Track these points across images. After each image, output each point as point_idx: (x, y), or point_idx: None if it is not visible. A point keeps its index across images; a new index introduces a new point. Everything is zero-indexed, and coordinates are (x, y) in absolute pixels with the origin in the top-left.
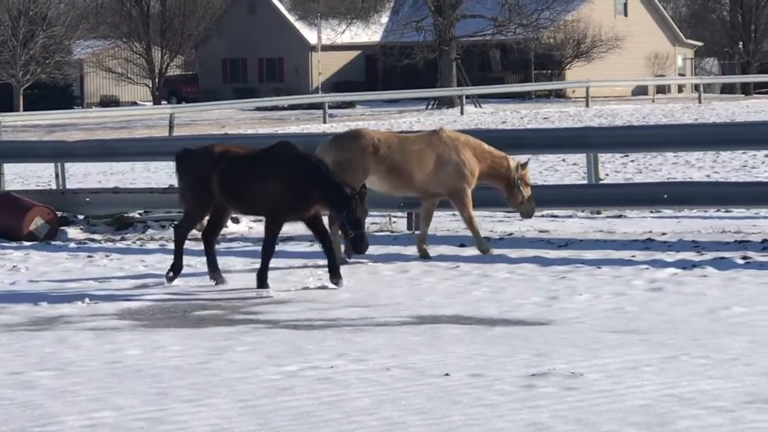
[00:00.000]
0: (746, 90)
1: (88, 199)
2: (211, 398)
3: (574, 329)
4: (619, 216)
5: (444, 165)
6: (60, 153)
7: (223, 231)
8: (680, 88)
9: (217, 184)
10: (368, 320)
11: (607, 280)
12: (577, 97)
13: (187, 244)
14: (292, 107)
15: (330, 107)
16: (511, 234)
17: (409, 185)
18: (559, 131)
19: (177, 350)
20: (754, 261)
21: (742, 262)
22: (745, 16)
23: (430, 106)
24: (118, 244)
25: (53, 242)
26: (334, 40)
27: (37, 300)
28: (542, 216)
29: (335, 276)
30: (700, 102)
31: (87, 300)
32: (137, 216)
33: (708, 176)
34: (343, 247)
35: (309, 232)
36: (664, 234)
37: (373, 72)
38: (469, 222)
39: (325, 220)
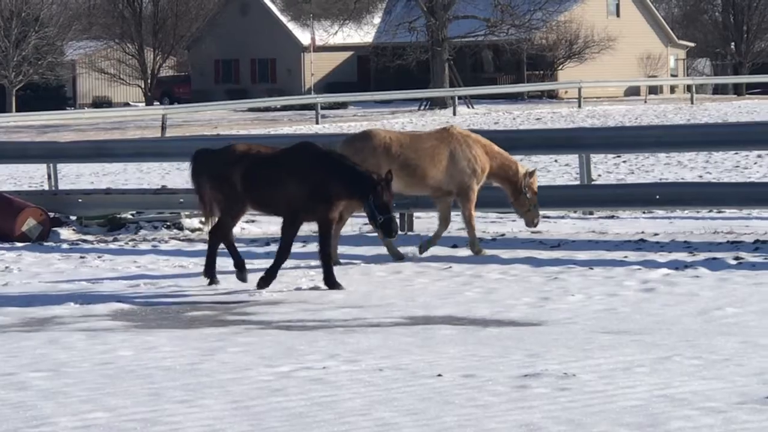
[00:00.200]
0: (738, 91)
1: (80, 200)
2: (203, 399)
3: (567, 330)
4: (612, 217)
5: (456, 161)
6: (52, 154)
7: None
8: (672, 89)
9: (239, 183)
10: (361, 321)
11: (600, 281)
12: (569, 97)
13: (179, 245)
14: (284, 108)
15: (322, 108)
16: (503, 235)
17: (422, 183)
18: (552, 132)
19: (169, 351)
20: (747, 261)
21: (734, 262)
22: (738, 16)
23: (422, 107)
24: (111, 245)
25: (45, 243)
26: (327, 40)
27: (30, 301)
28: None
29: (327, 280)
30: (692, 103)
31: (79, 301)
32: (129, 217)
33: (700, 177)
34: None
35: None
36: (656, 235)
37: (366, 73)
38: (468, 220)
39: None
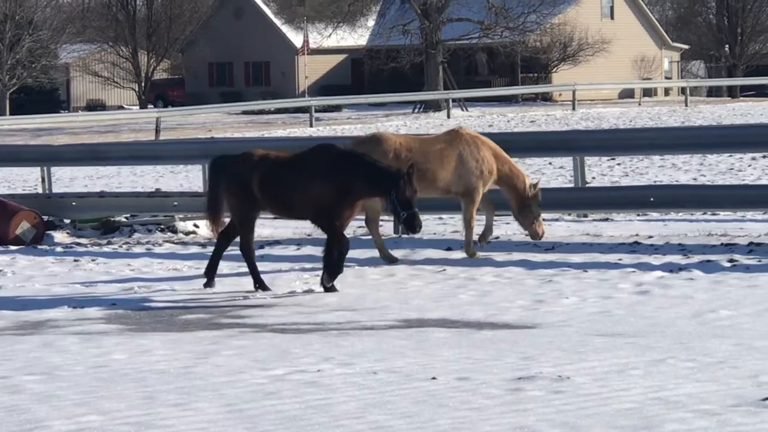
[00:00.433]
0: (733, 93)
1: (74, 203)
2: (197, 402)
3: (561, 332)
4: (606, 219)
5: (465, 162)
6: (46, 157)
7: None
8: (667, 91)
9: (258, 187)
10: (355, 324)
11: (594, 284)
12: (563, 100)
13: (173, 248)
14: (278, 111)
15: (316, 111)
16: (497, 237)
17: (433, 186)
18: (546, 134)
19: (163, 354)
20: (741, 264)
21: (728, 265)
22: (732, 19)
23: (416, 110)
24: (105, 248)
25: (39, 246)
26: (321, 43)
27: (24, 304)
28: None
29: (325, 278)
30: (686, 105)
31: (73, 304)
32: (123, 220)
33: (694, 179)
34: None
35: (296, 237)
36: (650, 237)
37: (360, 76)
38: (468, 222)
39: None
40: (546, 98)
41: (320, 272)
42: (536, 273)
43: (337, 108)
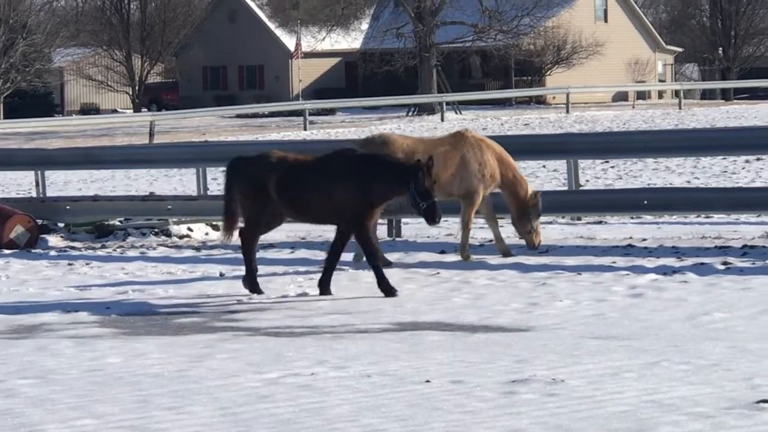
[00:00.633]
0: (726, 96)
1: (68, 207)
2: (191, 406)
3: (555, 335)
4: (600, 222)
5: (467, 165)
6: (40, 161)
7: (203, 238)
8: (660, 94)
9: (275, 189)
10: (349, 327)
11: (588, 287)
12: (557, 103)
13: (167, 252)
14: (272, 114)
15: (310, 114)
16: (491, 240)
17: (437, 188)
18: (540, 137)
19: (157, 358)
20: (735, 266)
21: (722, 267)
22: (725, 21)
23: (410, 113)
24: (99, 252)
25: (33, 250)
26: (315, 47)
27: (18, 308)
28: None
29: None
30: (680, 108)
31: (67, 308)
32: (117, 224)
33: (688, 182)
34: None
35: (290, 240)
36: (644, 240)
37: (354, 79)
38: (466, 225)
39: None
40: (540, 101)
41: (315, 275)
42: (530, 276)
43: (331, 111)
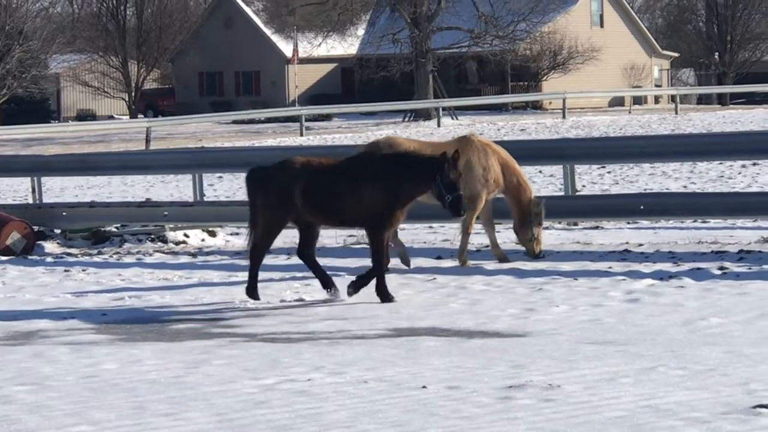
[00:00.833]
0: (722, 100)
1: (64, 214)
2: (188, 412)
3: (551, 341)
4: (596, 227)
5: (471, 169)
6: (37, 167)
7: (200, 244)
8: (657, 99)
9: (300, 196)
10: (345, 333)
11: (584, 292)
12: (553, 108)
13: (164, 258)
14: (268, 120)
15: (307, 120)
16: (487, 246)
17: None
18: (536, 143)
19: (154, 364)
20: (731, 271)
21: (718, 272)
22: (721, 26)
23: (406, 119)
24: (95, 258)
25: (30, 257)
26: (311, 53)
27: (14, 314)
28: None
29: (353, 286)
30: (676, 113)
31: (64, 314)
32: (114, 230)
33: (685, 187)
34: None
35: (286, 246)
36: (640, 245)
37: (350, 85)
38: (465, 229)
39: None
40: (536, 107)
41: (309, 282)
42: (527, 281)
43: (327, 117)
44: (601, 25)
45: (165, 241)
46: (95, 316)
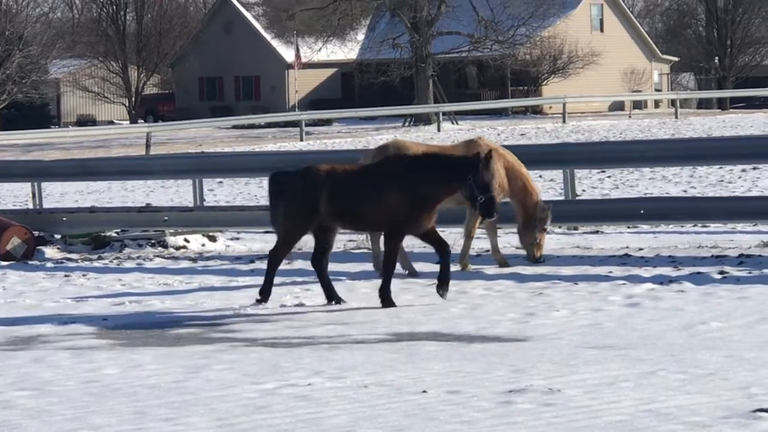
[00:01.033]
0: (723, 105)
1: (64, 219)
2: (188, 417)
3: (552, 345)
4: (596, 232)
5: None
6: (37, 172)
7: (200, 249)
8: (657, 104)
9: (327, 203)
10: (345, 338)
11: (584, 296)
12: (553, 113)
13: (164, 263)
14: (269, 125)
15: (307, 125)
16: (488, 250)
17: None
18: (536, 147)
19: (154, 369)
20: (731, 276)
21: (719, 277)
22: (721, 31)
23: (407, 123)
24: (95, 263)
25: (30, 262)
26: (311, 57)
27: (14, 320)
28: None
29: (442, 288)
30: (676, 117)
31: (64, 319)
32: (114, 235)
33: (685, 191)
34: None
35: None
36: (640, 249)
37: (350, 89)
38: (469, 232)
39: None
40: (536, 111)
41: (309, 287)
42: (527, 286)
43: (327, 122)
44: (601, 30)
45: (165, 246)
46: (96, 321)
